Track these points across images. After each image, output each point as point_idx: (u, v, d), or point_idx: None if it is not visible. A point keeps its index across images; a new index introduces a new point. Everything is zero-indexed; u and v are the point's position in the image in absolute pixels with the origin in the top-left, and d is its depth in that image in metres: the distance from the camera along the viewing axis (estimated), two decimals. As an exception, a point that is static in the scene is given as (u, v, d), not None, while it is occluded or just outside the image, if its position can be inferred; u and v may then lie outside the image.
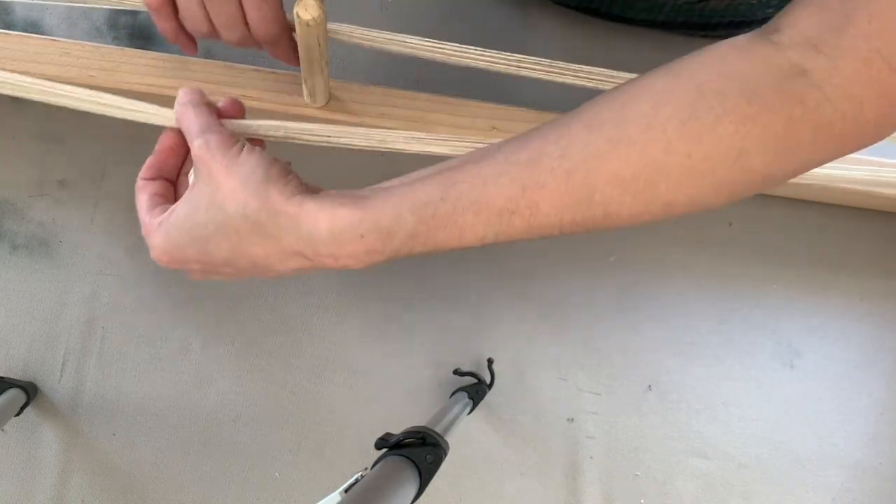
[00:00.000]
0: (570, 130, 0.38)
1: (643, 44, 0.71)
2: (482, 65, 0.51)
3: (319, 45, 0.48)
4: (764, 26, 0.37)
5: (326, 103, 0.58)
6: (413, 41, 0.51)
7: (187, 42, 0.50)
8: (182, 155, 0.45)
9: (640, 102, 0.37)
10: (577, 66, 0.51)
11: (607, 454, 0.64)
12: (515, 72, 0.51)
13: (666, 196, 0.37)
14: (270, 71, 0.59)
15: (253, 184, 0.37)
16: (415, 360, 0.65)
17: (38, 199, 0.64)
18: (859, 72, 0.33)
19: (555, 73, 0.51)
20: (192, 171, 0.42)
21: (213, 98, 0.44)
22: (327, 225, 0.36)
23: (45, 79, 0.50)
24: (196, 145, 0.39)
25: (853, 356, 0.69)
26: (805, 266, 0.69)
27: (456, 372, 0.63)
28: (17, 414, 0.57)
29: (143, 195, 0.42)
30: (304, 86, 0.56)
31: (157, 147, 0.44)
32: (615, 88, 0.39)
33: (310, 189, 0.39)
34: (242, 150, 0.39)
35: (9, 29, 0.58)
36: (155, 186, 0.43)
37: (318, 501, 0.39)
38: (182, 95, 0.43)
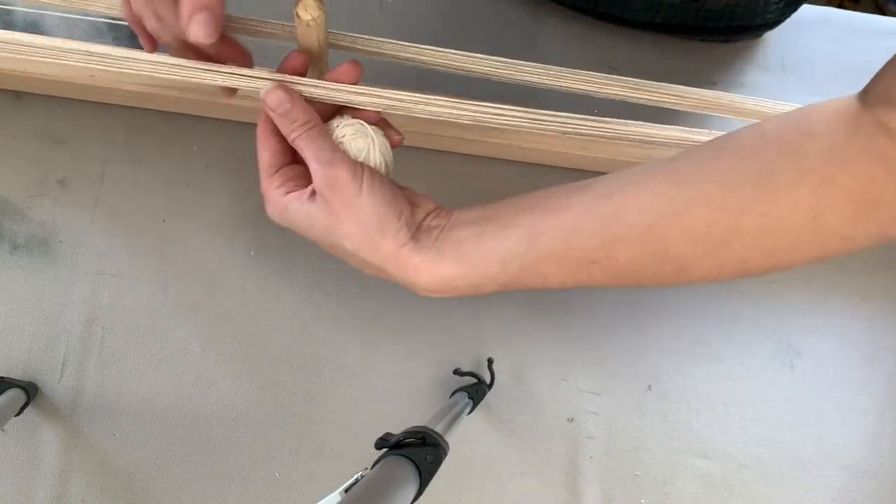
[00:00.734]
0: (652, 184, 0.38)
1: (641, 45, 0.71)
2: (483, 70, 0.51)
3: (319, 45, 0.48)
4: (861, 90, 0.37)
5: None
6: (412, 47, 0.51)
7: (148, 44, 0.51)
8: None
9: (723, 160, 0.37)
10: (585, 73, 0.51)
11: (607, 454, 0.64)
12: (516, 77, 0.51)
13: (740, 253, 0.37)
14: (270, 71, 0.59)
15: (367, 230, 0.41)
16: (415, 360, 0.65)
17: (38, 199, 0.64)
18: None
19: (561, 78, 0.51)
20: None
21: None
22: (427, 279, 0.42)
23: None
24: (318, 178, 0.42)
25: (853, 356, 0.69)
26: (805, 266, 0.69)
27: (456, 372, 0.63)
28: (17, 414, 0.57)
29: (265, 152, 0.45)
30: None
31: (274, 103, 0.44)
32: (705, 143, 0.40)
33: (422, 228, 0.43)
34: (362, 186, 0.41)
35: (9, 29, 0.58)
36: (274, 144, 0.45)
37: (318, 501, 0.39)
38: (277, 103, 0.43)
